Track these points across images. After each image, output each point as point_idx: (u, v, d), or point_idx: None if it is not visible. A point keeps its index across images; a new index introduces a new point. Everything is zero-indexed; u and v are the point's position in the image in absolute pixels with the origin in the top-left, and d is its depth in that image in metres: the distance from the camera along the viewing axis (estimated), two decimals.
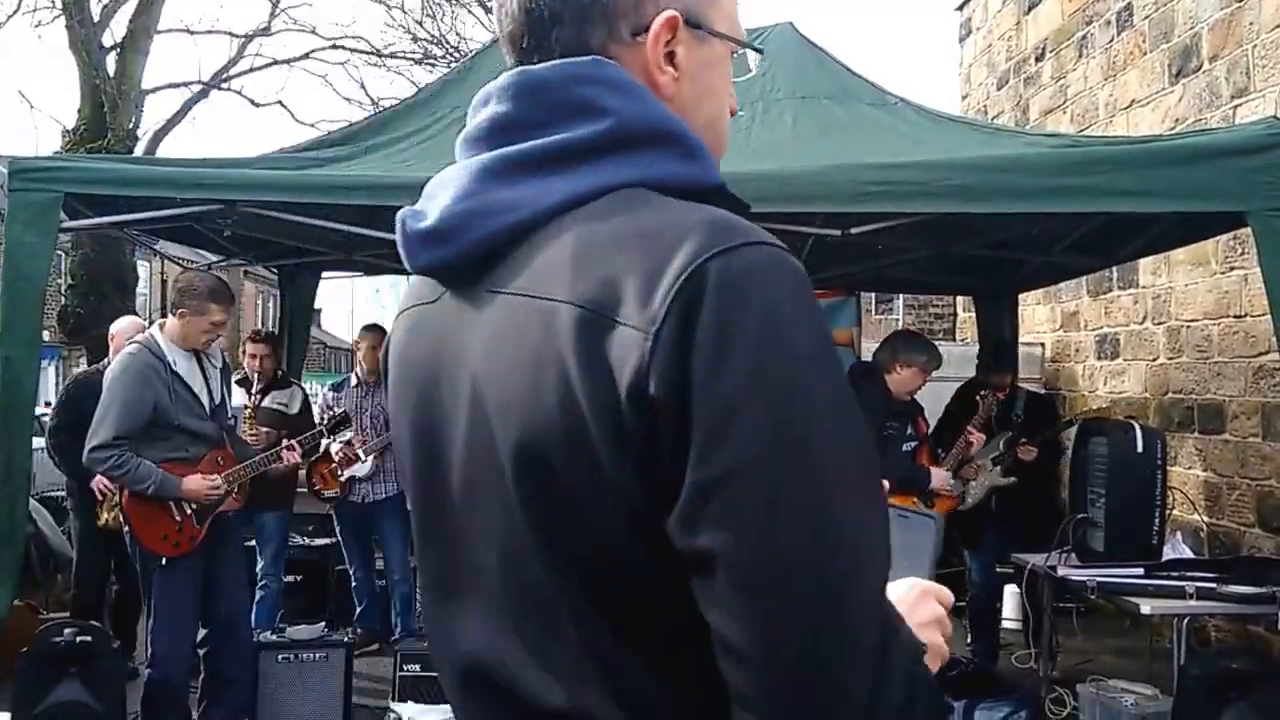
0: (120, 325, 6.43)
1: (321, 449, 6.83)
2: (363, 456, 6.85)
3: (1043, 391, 8.45)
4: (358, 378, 7.19)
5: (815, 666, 0.95)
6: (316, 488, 7.00)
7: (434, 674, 5.52)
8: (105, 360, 6.32)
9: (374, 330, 7.32)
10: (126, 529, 4.80)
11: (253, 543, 6.61)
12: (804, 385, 0.98)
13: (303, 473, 7.02)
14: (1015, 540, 5.94)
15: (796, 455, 0.96)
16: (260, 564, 6.71)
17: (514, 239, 1.12)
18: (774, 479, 0.95)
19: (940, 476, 5.45)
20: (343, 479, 6.91)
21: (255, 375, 6.45)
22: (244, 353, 6.66)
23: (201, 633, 5.04)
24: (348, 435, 6.83)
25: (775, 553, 0.95)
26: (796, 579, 0.95)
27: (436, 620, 1.28)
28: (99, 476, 5.88)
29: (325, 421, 6.17)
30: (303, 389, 7.16)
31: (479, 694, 1.19)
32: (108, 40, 15.07)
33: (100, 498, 5.97)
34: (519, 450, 1.06)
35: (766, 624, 0.96)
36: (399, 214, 1.23)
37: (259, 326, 23.95)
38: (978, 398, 6.05)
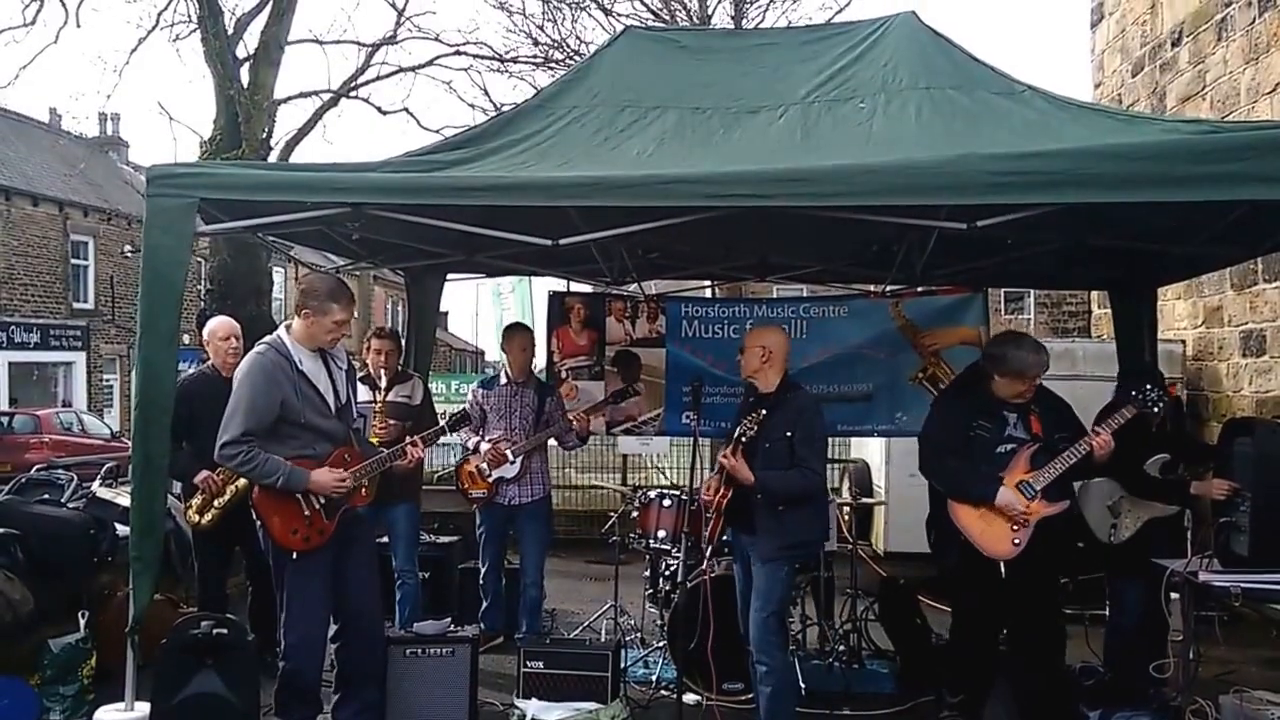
0: (212, 326, 6.55)
1: (471, 447, 6.96)
2: (511, 457, 6.88)
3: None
4: (507, 376, 7.18)
5: None
6: (464, 488, 7.07)
7: (556, 671, 5.61)
8: (208, 363, 6.45)
9: (522, 330, 7.35)
10: (259, 524, 4.91)
11: (385, 538, 6.74)
12: None
13: (450, 472, 7.10)
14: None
15: None
16: (395, 560, 6.82)
17: None
18: None
19: (1006, 496, 5.08)
20: (491, 479, 6.94)
21: (380, 371, 6.55)
22: (368, 349, 6.74)
23: (333, 628, 5.15)
24: (471, 438, 6.95)
25: None
26: None
27: None
28: (204, 473, 6.03)
29: (448, 419, 6.22)
30: (423, 380, 7.25)
31: None
32: (241, 52, 15.57)
33: (200, 496, 6.09)
34: None
35: None
36: None
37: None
38: (1134, 392, 5.34)
